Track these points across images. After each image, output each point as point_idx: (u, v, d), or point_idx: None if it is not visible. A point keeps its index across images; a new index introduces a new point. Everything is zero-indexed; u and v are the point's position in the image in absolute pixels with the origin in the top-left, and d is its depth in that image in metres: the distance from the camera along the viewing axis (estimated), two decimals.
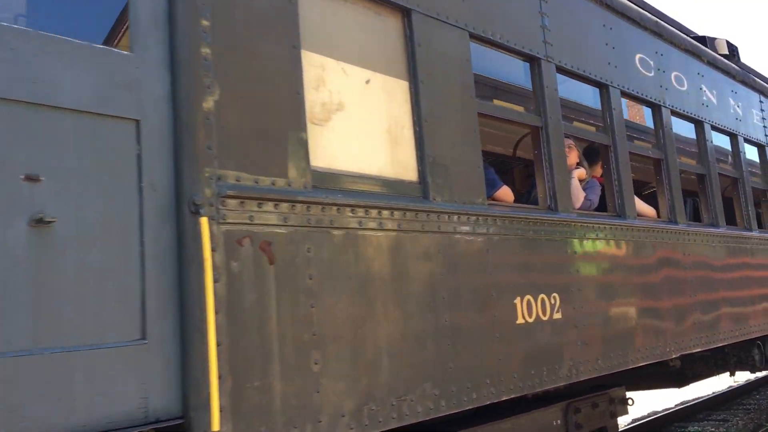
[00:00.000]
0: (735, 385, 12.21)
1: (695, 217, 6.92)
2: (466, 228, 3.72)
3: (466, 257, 3.70)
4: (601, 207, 5.41)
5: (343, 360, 3.01)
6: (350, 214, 3.16)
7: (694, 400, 11.20)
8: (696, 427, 9.56)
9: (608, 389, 5.59)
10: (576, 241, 4.56)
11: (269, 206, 2.84)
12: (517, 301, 4.00)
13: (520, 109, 4.87)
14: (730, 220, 7.41)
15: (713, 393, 11.55)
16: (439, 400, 3.40)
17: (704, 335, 5.89)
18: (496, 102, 4.89)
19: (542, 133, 4.58)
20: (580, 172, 5.14)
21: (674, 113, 6.26)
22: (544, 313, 4.19)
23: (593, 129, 5.67)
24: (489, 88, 5.15)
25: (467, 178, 3.84)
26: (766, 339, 7.52)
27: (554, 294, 4.29)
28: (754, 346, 7.27)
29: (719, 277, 6.43)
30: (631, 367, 4.91)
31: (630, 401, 5.71)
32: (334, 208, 3.09)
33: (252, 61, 2.91)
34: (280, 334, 2.78)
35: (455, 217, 3.66)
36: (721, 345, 6.26)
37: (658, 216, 5.98)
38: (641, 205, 5.77)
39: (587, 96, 5.52)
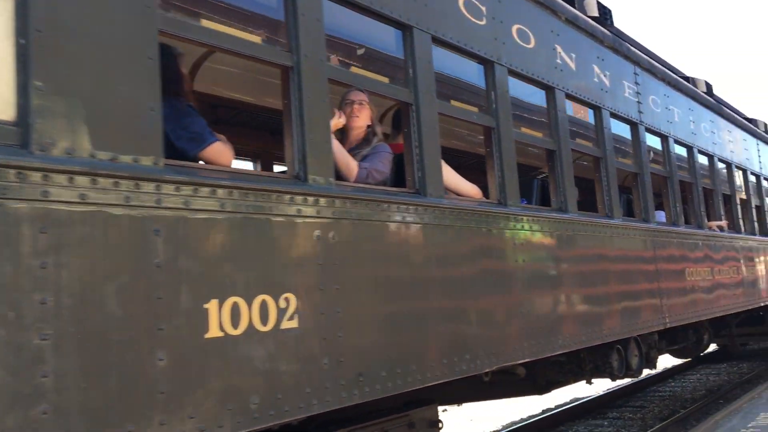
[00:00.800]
0: (653, 373, 12.11)
1: (544, 200, 5.89)
2: (95, 196, 2.44)
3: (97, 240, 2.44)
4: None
5: None
6: None
7: (616, 387, 11.37)
8: (615, 414, 9.94)
9: (421, 406, 4.53)
10: (327, 224, 3.37)
11: None
12: (211, 306, 2.77)
13: None
14: (590, 206, 6.44)
15: (632, 381, 11.36)
16: None
17: (535, 342, 4.84)
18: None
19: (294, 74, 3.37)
20: (335, 123, 3.92)
21: (514, 74, 5.17)
22: (265, 322, 2.98)
23: (387, 81, 4.50)
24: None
25: (124, 123, 2.58)
26: (628, 342, 6.59)
27: (287, 295, 3.09)
28: (612, 351, 6.32)
29: (564, 271, 5.41)
30: (417, 387, 3.78)
31: (440, 424, 4.62)
32: None
33: None
34: None
35: (72, 178, 2.38)
36: (560, 353, 5.23)
37: (486, 197, 4.89)
38: (459, 183, 4.66)
39: (388, 41, 4.35)
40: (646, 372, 10.81)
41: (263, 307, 2.96)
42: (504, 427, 9.51)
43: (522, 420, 9.80)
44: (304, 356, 3.11)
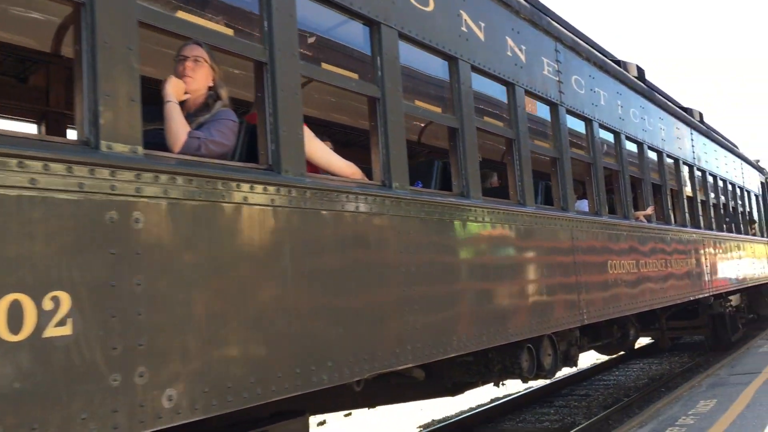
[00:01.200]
0: (597, 362, 13.22)
1: (445, 185, 5.29)
2: None
3: None
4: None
5: None
6: None
7: (562, 377, 11.69)
8: (561, 402, 10.28)
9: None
10: (128, 203, 2.66)
11: None
12: None
13: None
14: (502, 193, 5.87)
15: (578, 370, 12.12)
16: None
17: (422, 345, 4.23)
18: None
19: None
20: (171, 86, 3.22)
21: (406, 38, 4.52)
22: (16, 330, 2.27)
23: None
24: None
25: None
26: (541, 341, 6.05)
27: (55, 294, 2.39)
28: (522, 351, 5.77)
29: (462, 264, 4.82)
30: (254, 404, 3.11)
31: None
32: None
33: None
34: None
35: None
36: (466, 353, 4.64)
37: (370, 179, 4.25)
38: (331, 160, 4.01)
39: None
40: (567, 370, 10.95)
41: (13, 310, 2.25)
42: (447, 418, 9.39)
43: (471, 409, 9.86)
44: (78, 372, 2.41)
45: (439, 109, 5.11)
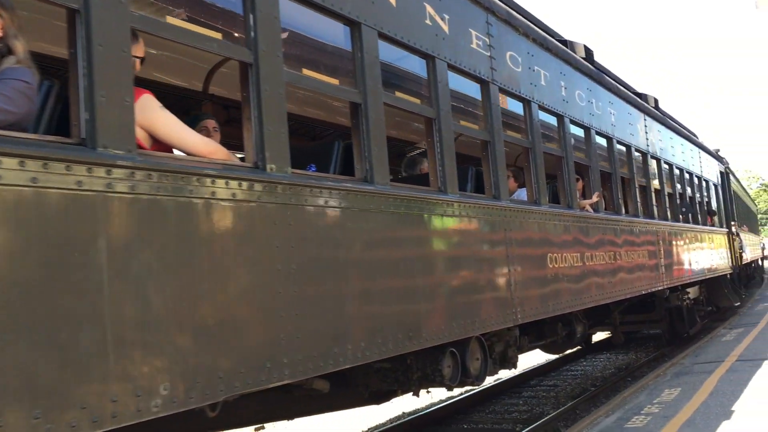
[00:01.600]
0: (566, 354, 13.05)
1: (348, 169, 4.62)
2: None
3: None
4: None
5: None
6: None
7: (526, 369, 11.97)
8: (529, 392, 10.34)
9: None
10: None
11: None
12: None
13: None
14: (424, 180, 5.24)
15: (546, 360, 12.58)
16: None
17: (303, 358, 3.56)
18: None
19: None
20: None
21: None
22: None
23: None
24: None
25: None
26: (467, 344, 5.44)
27: None
28: (444, 356, 5.14)
29: (361, 260, 4.17)
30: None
31: None
32: None
33: None
34: None
35: None
36: (343, 368, 3.98)
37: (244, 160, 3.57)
38: (184, 137, 3.32)
39: None
40: (506, 373, 10.73)
41: None
42: (417, 411, 9.27)
43: (441, 401, 9.78)
44: None
45: (336, 81, 4.45)
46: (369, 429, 8.71)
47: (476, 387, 9.98)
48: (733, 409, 6.50)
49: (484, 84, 5.98)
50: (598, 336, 14.87)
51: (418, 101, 5.26)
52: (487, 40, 6.07)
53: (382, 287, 4.31)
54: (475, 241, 5.51)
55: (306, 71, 4.29)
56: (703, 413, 6.44)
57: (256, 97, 3.51)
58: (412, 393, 5.36)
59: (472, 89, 5.97)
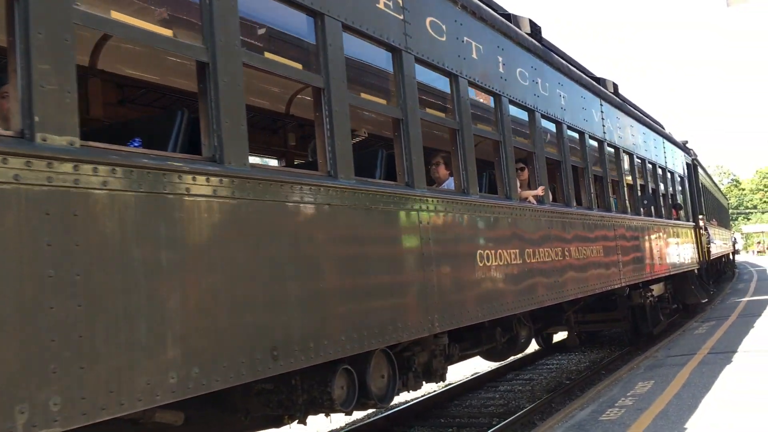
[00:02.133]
0: (541, 349, 13.30)
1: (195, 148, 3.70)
2: None
3: None
4: None
5: None
6: None
7: (508, 362, 11.61)
8: (506, 387, 10.43)
9: None
10: None
11: None
12: None
13: None
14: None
15: (524, 355, 12.15)
16: None
17: (86, 398, 2.66)
18: None
19: None
20: None
21: None
22: None
23: None
24: None
25: None
26: (367, 360, 4.55)
27: None
28: (335, 376, 4.26)
29: (222, 260, 3.27)
30: None
31: None
32: None
33: None
34: None
35: None
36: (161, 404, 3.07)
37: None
38: None
39: None
40: (483, 367, 10.81)
41: None
42: (399, 405, 8.80)
43: (425, 395, 9.53)
44: None
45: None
46: (346, 424, 8.26)
47: (450, 383, 9.93)
48: (704, 401, 6.55)
49: (395, 52, 5.09)
50: (560, 336, 14.13)
51: (300, 66, 4.35)
52: (399, 1, 5.18)
53: (269, 295, 3.42)
54: (376, 238, 4.62)
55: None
56: (675, 405, 6.49)
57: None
58: (297, 421, 4.46)
59: (379, 58, 5.09)
